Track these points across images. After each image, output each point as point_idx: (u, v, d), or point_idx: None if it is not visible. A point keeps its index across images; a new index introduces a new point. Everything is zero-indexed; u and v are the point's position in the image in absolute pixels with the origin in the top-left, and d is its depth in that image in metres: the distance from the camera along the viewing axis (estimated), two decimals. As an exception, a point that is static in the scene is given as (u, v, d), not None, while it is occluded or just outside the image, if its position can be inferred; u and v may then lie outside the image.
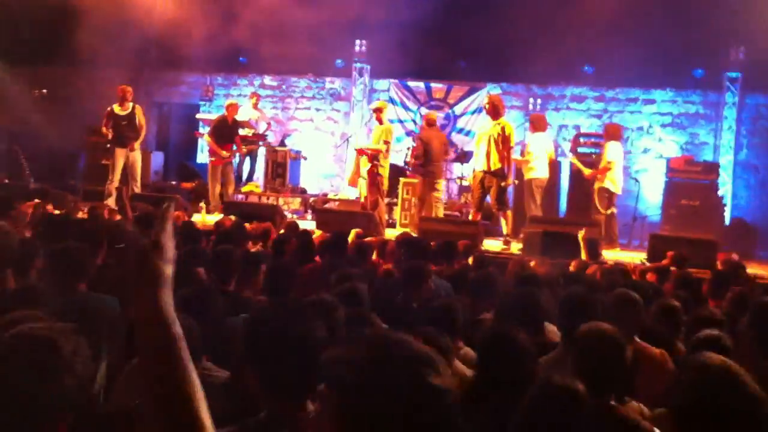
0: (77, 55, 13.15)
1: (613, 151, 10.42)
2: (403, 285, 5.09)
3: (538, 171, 10.59)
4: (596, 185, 10.39)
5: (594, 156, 11.64)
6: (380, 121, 10.70)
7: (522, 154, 11.17)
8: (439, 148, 10.73)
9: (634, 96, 13.43)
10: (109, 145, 11.19)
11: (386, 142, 10.54)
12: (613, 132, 10.76)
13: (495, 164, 9.64)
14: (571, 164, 11.62)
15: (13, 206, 6.77)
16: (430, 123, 11.07)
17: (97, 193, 11.20)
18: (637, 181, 11.92)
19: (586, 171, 10.65)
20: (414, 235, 8.85)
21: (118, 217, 7.79)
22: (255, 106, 12.94)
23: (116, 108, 11.18)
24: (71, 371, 1.79)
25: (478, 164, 9.94)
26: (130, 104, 11.26)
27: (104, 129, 11.21)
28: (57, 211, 7.87)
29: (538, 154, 10.64)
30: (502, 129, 9.68)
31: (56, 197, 9.14)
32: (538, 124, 11.07)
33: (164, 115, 15.95)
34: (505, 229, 9.92)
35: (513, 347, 2.99)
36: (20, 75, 15.51)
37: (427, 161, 10.60)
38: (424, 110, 14.26)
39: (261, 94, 15.15)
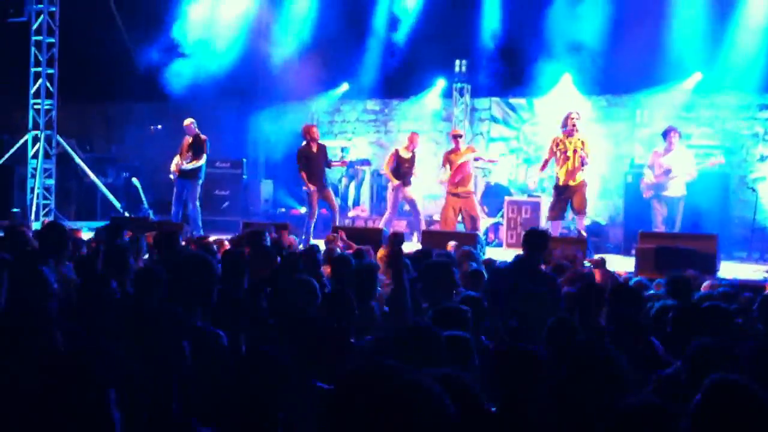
0: (190, 90, 13.77)
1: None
2: None
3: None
4: None
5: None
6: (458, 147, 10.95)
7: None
8: None
9: (746, 102, 12.84)
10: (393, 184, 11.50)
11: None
12: None
13: (579, 178, 9.92)
14: None
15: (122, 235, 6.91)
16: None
17: (212, 223, 11.65)
18: (754, 190, 11.41)
19: None
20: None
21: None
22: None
23: (401, 151, 11.49)
24: None
25: (561, 179, 10.09)
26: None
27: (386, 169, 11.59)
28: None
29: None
30: (583, 144, 9.94)
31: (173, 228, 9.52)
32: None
33: (272, 144, 16.39)
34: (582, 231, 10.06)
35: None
36: (137, 111, 16.35)
37: None
38: (527, 127, 14.14)
39: (363, 119, 15.41)
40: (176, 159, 11.45)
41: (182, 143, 11.61)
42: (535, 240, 5.63)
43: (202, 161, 11.42)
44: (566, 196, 10.06)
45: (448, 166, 10.99)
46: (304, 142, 11.11)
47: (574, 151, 9.91)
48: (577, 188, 9.98)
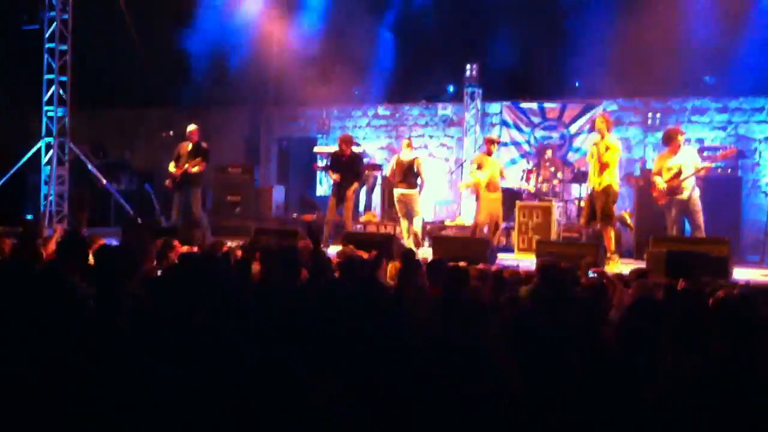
0: (202, 96, 13.86)
1: None
2: None
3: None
4: None
5: (720, 170, 11.18)
6: (489, 151, 10.84)
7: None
8: None
9: (759, 105, 12.77)
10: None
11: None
12: None
13: (600, 183, 9.57)
14: None
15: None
16: None
17: (224, 229, 11.69)
18: (767, 194, 11.35)
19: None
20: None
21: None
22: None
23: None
24: None
25: (589, 183, 9.99)
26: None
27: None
28: (185, 247, 8.18)
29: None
30: (607, 148, 9.59)
31: (184, 234, 9.55)
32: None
33: (284, 150, 16.46)
34: (612, 246, 9.63)
35: None
36: (149, 117, 16.45)
37: None
38: (538, 131, 14.11)
39: (375, 125, 15.44)
40: (172, 166, 11.38)
41: (177, 149, 11.56)
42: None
43: (204, 167, 11.45)
44: (593, 201, 9.86)
45: (476, 166, 10.95)
46: (339, 149, 11.46)
47: (599, 155, 9.69)
48: (599, 194, 9.72)
